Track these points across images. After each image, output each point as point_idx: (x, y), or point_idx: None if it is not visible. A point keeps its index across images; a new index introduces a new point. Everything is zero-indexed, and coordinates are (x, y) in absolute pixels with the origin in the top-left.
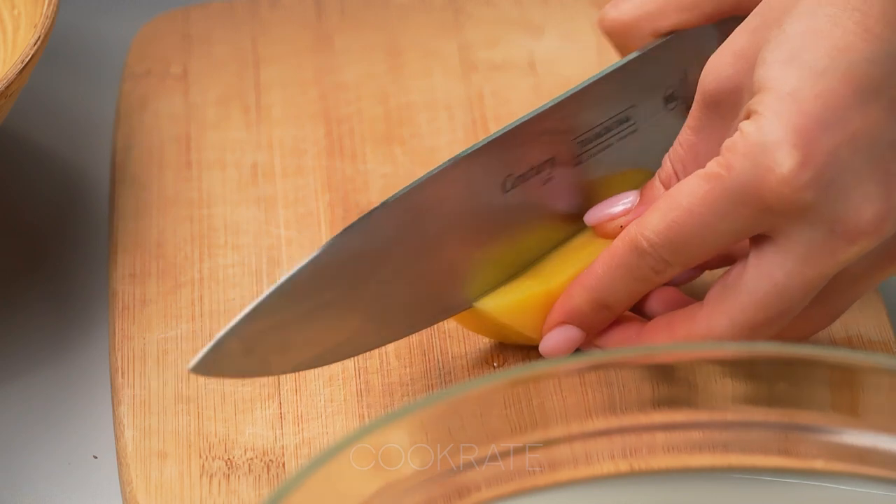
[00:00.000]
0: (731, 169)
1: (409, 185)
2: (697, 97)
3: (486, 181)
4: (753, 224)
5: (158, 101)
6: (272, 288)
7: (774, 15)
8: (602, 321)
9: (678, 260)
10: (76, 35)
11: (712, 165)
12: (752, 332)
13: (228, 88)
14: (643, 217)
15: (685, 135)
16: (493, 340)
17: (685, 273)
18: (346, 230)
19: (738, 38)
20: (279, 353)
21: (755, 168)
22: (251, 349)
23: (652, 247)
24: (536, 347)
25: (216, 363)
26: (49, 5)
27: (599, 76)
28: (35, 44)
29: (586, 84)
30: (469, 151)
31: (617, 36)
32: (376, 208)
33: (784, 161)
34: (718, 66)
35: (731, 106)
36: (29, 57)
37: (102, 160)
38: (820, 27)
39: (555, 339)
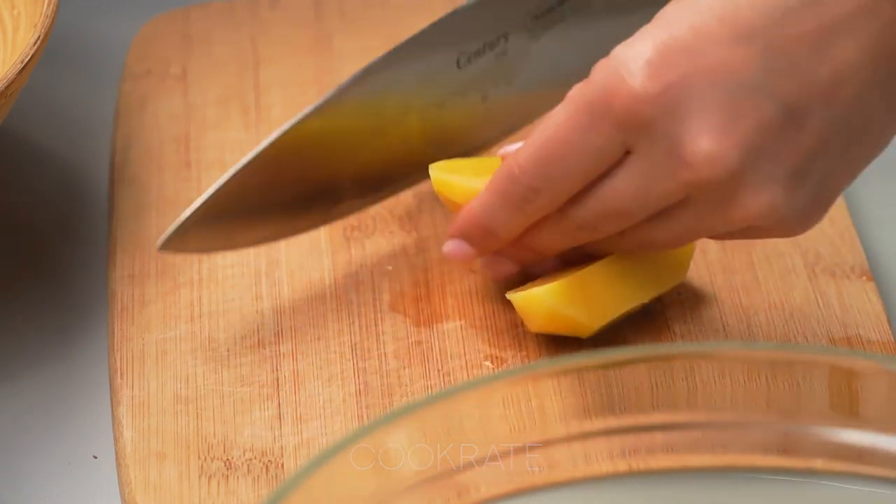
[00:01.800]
0: (590, 83)
1: (365, 67)
2: None
3: (441, 59)
4: (609, 141)
5: (158, 101)
6: (237, 165)
7: None
8: (489, 244)
9: (545, 186)
10: (76, 35)
11: (577, 86)
12: (592, 232)
13: (228, 88)
14: (520, 146)
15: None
16: (491, 341)
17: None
18: (308, 112)
19: None
20: (243, 228)
21: (609, 78)
22: (215, 223)
23: (522, 171)
24: (536, 349)
25: (183, 239)
26: (49, 5)
27: None
28: (35, 44)
29: None
30: (421, 31)
31: None
32: (333, 90)
33: (635, 72)
34: None
35: None
36: (29, 57)
37: (102, 160)
38: None
39: (450, 247)
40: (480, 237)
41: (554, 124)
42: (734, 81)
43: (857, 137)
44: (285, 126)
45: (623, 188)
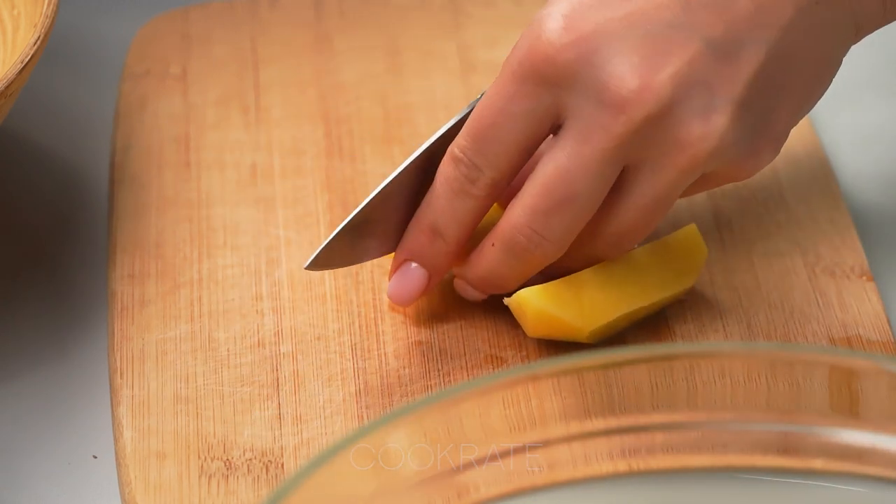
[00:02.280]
0: (514, 49)
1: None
2: None
3: None
4: (537, 101)
5: (158, 101)
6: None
7: None
8: (438, 253)
9: (486, 161)
10: (76, 35)
11: (507, 56)
12: (545, 217)
13: (228, 89)
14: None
15: None
16: (491, 341)
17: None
18: (450, 126)
19: None
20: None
21: (530, 39)
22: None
23: (462, 151)
24: (536, 349)
25: (328, 259)
26: (49, 5)
27: None
28: (35, 44)
29: None
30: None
31: None
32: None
33: (552, 28)
34: None
35: None
36: (29, 57)
37: (102, 160)
38: None
39: (397, 279)
40: (429, 243)
41: (487, 97)
42: (653, 23)
43: (799, 66)
44: (430, 140)
45: (562, 161)
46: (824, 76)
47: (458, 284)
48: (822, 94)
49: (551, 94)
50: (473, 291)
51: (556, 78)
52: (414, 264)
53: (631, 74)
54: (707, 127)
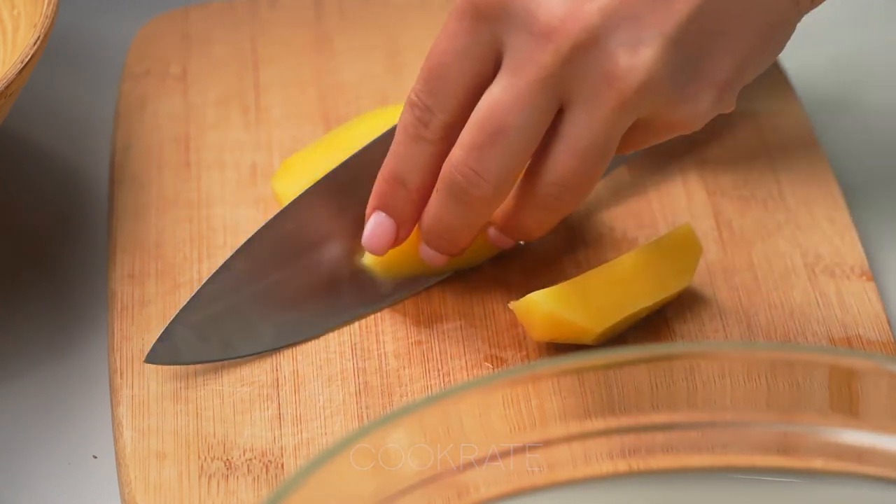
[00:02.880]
0: None
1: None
2: None
3: None
4: (479, 38)
5: (158, 101)
6: (207, 278)
7: None
8: (402, 200)
9: (436, 102)
10: (76, 35)
11: None
12: (479, 152)
13: (228, 89)
14: None
15: None
16: (491, 341)
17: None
18: (275, 217)
19: None
20: (239, 337)
21: None
22: (205, 336)
23: (416, 94)
24: (536, 349)
25: (171, 352)
26: (49, 5)
27: None
28: (35, 44)
29: None
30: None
31: None
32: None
33: None
34: None
35: None
36: (29, 57)
37: (102, 160)
38: None
39: (368, 229)
40: (392, 191)
41: (436, 38)
42: None
43: (740, 13)
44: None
45: (496, 95)
46: (773, 32)
47: (420, 250)
48: (775, 54)
49: (489, 29)
50: (428, 251)
51: (491, 11)
52: (382, 214)
53: (559, 4)
54: (634, 59)
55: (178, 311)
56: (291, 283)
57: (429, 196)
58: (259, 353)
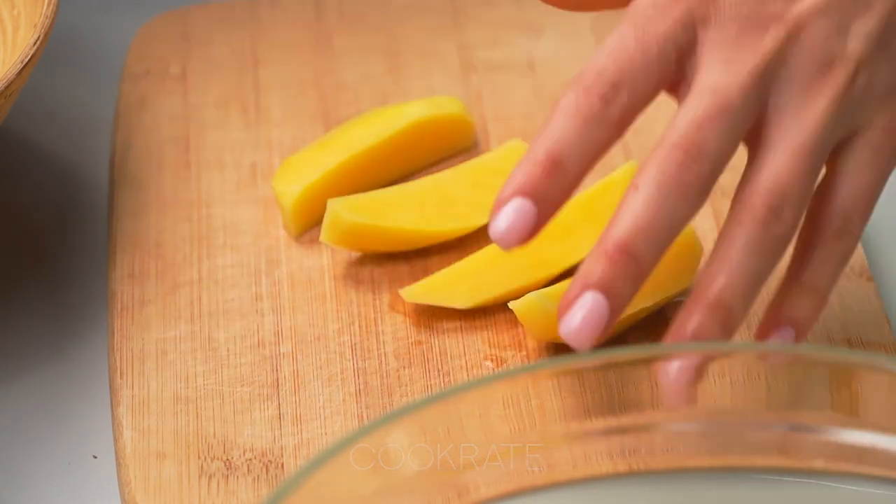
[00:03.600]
0: None
1: None
2: None
3: None
4: (679, 32)
5: (157, 101)
6: None
7: None
8: (557, 189)
9: (626, 77)
10: (76, 35)
11: None
12: (699, 128)
13: (227, 89)
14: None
15: None
16: (491, 341)
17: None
18: None
19: None
20: None
21: None
22: None
23: (598, 73)
24: (536, 348)
25: None
26: (49, 5)
27: None
28: (35, 44)
29: None
30: None
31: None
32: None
33: None
34: None
35: None
36: (29, 57)
37: (102, 160)
38: None
39: (505, 215)
40: (546, 176)
41: (623, 22)
42: None
43: None
44: None
45: (717, 78)
46: None
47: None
48: None
49: (687, 24)
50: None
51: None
52: (528, 201)
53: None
54: (844, 49)
55: None
56: None
57: (576, 187)
58: None
